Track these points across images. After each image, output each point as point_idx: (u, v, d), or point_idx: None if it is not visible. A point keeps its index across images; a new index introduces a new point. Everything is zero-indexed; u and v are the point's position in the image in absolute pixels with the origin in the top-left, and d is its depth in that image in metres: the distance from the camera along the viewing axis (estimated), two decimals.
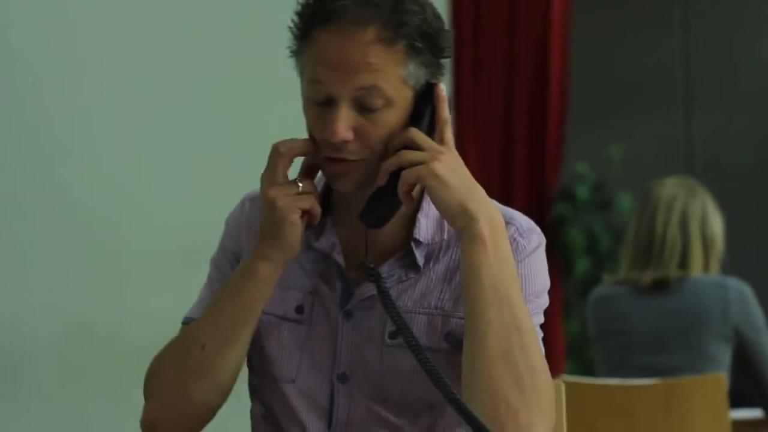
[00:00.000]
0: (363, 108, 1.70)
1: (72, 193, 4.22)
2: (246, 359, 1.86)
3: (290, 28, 1.73)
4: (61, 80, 4.21)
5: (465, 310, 1.71)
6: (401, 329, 1.71)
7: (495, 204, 1.77)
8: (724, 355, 3.42)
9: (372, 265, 1.76)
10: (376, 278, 1.75)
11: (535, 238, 1.82)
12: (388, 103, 1.70)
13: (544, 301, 1.83)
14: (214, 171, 4.42)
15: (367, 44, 1.67)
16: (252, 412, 1.90)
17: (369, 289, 1.79)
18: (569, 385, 2.19)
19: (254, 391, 1.88)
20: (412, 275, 1.81)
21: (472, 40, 5.52)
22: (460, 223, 1.71)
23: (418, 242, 1.80)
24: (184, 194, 4.38)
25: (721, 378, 3.14)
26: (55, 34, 4.19)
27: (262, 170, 1.78)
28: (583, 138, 5.94)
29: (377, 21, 1.67)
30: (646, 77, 6.24)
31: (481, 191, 1.74)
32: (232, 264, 1.86)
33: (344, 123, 1.69)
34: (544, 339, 1.80)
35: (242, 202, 1.92)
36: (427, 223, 1.81)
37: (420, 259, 1.80)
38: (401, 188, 1.73)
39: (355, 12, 1.67)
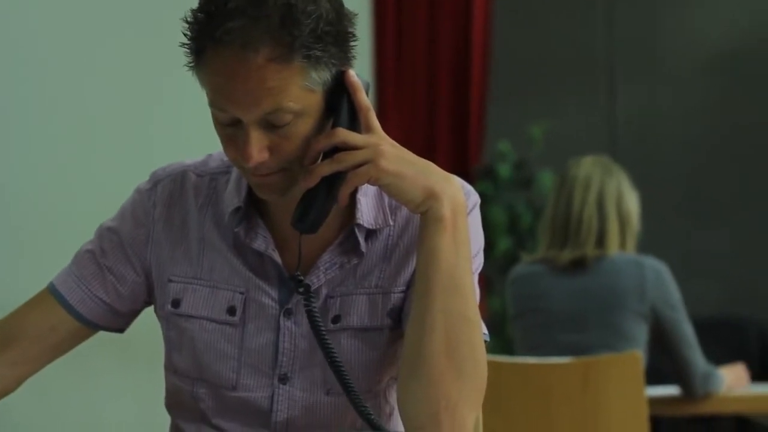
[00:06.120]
0: (272, 126, 1.62)
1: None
2: (168, 362, 1.81)
3: (183, 44, 1.63)
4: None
5: (416, 293, 1.66)
6: (325, 352, 1.66)
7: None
8: (641, 333, 3.44)
9: (302, 278, 1.69)
10: (306, 296, 1.68)
11: (472, 197, 1.79)
12: (297, 114, 1.62)
13: (480, 261, 1.79)
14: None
15: (261, 68, 1.58)
16: (173, 424, 1.84)
17: (312, 283, 1.73)
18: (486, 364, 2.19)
19: (176, 395, 1.82)
20: (354, 260, 1.75)
21: (394, 17, 5.51)
22: (424, 208, 1.66)
23: (360, 226, 1.75)
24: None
25: (637, 356, 3.16)
26: None
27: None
28: (505, 116, 5.96)
29: (267, 39, 1.57)
30: (569, 54, 6.26)
31: (433, 166, 1.68)
32: (116, 247, 1.81)
33: (256, 146, 1.61)
34: None
35: (154, 183, 1.83)
36: (367, 202, 1.76)
37: (362, 244, 1.75)
38: (346, 191, 1.66)
39: (243, 32, 1.57)
